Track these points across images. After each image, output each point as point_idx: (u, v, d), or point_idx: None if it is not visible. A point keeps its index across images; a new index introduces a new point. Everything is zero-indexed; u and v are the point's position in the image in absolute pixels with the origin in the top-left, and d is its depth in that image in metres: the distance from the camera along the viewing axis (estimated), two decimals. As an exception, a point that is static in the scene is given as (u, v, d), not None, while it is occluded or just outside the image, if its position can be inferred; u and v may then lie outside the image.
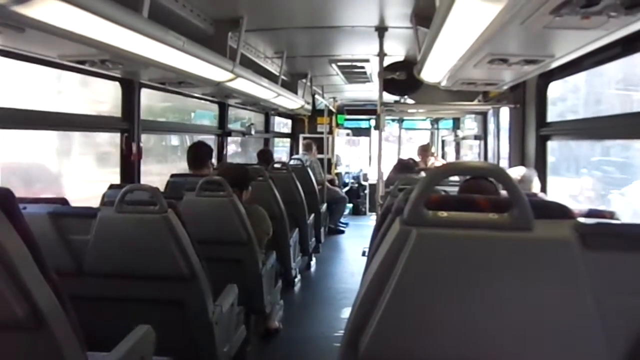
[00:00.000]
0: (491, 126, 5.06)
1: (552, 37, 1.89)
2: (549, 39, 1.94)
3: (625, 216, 3.53)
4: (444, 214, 1.00)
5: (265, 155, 6.19)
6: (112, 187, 2.69)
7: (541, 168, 3.36)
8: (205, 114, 6.06)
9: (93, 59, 2.41)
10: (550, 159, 3.49)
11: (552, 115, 3.46)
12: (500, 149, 4.66)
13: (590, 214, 2.09)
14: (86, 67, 2.54)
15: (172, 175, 3.66)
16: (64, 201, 2.18)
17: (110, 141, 3.96)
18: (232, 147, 7.07)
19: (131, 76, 3.38)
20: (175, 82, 3.43)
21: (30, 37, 1.83)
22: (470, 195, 1.20)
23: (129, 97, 3.52)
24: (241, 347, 2.86)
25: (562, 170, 4.79)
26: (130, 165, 3.54)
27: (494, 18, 1.68)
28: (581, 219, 1.10)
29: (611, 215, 2.22)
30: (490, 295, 0.97)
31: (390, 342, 1.03)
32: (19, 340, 1.25)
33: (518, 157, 3.67)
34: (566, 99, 4.11)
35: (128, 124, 3.53)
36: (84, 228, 2.10)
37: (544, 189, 3.25)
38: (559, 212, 1.09)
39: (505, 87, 3.29)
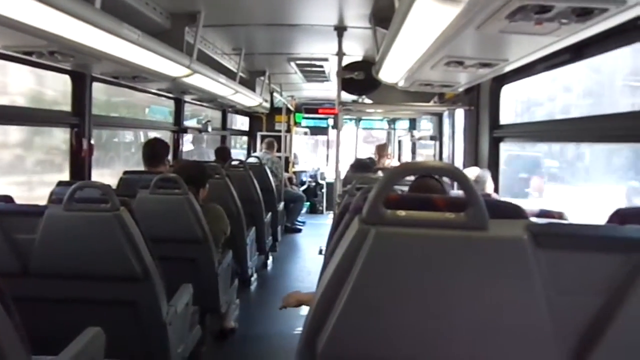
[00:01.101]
0: (446, 127, 5.17)
1: (506, 42, 1.95)
2: (503, 44, 1.99)
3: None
4: (402, 213, 1.01)
5: (223, 152, 6.11)
6: (60, 184, 2.58)
7: (494, 169, 3.46)
8: (160, 110, 5.92)
9: (41, 50, 2.30)
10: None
11: (539, 116, 3.44)
12: (455, 150, 4.77)
13: (541, 214, 2.18)
14: (33, 58, 2.43)
15: (125, 172, 3.55)
16: (8, 199, 2.08)
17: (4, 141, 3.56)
18: (188, 144, 6.95)
19: (82, 69, 3.27)
20: (129, 76, 3.34)
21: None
22: (428, 195, 1.22)
23: (80, 91, 3.40)
24: (196, 347, 2.81)
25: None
26: (80, 162, 3.42)
27: (451, 22, 1.71)
28: (533, 219, 1.13)
29: (560, 215, 2.33)
30: (447, 294, 0.99)
31: (348, 342, 1.03)
32: (-43, 345, 1.18)
33: (472, 158, 3.77)
34: (555, 99, 3.99)
35: (78, 119, 3.40)
36: (29, 227, 2.01)
37: (496, 189, 3.35)
38: (513, 212, 1.12)
39: (460, 89, 3.37)
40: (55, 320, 2.00)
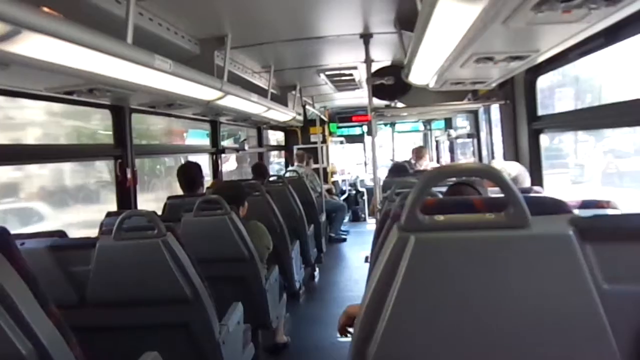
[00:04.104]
0: (483, 123, 5.07)
1: (535, 33, 1.90)
2: (532, 35, 1.95)
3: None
4: (441, 217, 1.00)
5: (260, 169, 6.18)
6: (109, 214, 2.68)
7: (535, 162, 3.37)
8: (199, 133, 6.06)
9: (81, 89, 2.40)
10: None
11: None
12: (494, 146, 4.67)
13: (586, 205, 2.09)
14: (74, 97, 2.54)
15: (169, 197, 3.65)
16: (62, 234, 2.17)
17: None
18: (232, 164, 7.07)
19: (121, 102, 3.39)
20: (165, 104, 3.43)
21: (15, 72, 1.84)
22: (466, 196, 1.20)
23: (120, 124, 3.52)
24: (250, 364, 2.84)
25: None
26: (125, 192, 3.53)
27: (476, 19, 1.69)
28: (577, 211, 1.10)
29: (608, 204, 2.22)
30: (492, 295, 0.97)
31: (398, 349, 1.02)
32: (24, 377, 1.24)
33: (511, 152, 3.68)
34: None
35: (121, 150, 3.53)
36: (83, 259, 2.10)
37: (540, 182, 3.26)
38: (554, 207, 1.09)
39: (494, 84, 3.30)
40: (114, 347, 2.06)
